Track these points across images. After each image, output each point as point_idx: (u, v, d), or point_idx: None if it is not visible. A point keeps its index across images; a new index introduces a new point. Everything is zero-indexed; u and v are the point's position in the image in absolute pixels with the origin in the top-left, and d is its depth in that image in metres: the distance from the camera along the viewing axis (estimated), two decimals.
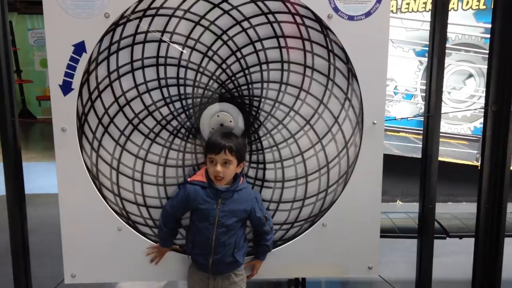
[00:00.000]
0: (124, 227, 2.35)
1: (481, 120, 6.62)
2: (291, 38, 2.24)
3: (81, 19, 2.16)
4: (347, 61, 2.26)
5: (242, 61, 2.26)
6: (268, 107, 2.31)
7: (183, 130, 2.31)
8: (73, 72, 2.20)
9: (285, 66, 2.26)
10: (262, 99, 2.30)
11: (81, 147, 2.29)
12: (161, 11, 2.19)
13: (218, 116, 2.31)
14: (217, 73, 2.27)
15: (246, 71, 2.27)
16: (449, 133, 6.40)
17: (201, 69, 2.26)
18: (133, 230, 2.37)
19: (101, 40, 2.19)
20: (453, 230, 2.91)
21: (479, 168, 2.54)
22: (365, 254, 2.42)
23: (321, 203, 2.40)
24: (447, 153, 5.81)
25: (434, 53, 2.34)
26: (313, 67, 2.27)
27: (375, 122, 2.30)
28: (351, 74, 2.28)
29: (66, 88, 2.21)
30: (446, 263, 3.69)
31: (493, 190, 2.44)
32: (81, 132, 2.29)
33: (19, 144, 2.47)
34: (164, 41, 2.21)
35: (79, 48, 2.18)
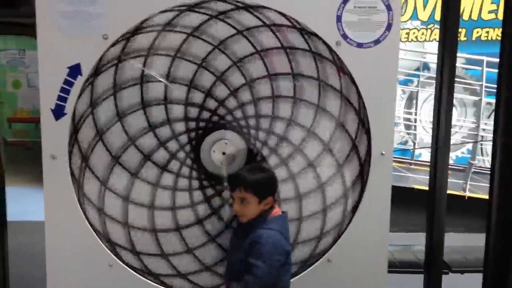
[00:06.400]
0: (115, 263, 2.18)
1: (463, 149, 6.70)
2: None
3: (77, 40, 2.03)
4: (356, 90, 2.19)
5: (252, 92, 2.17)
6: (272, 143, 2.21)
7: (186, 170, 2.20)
8: (66, 96, 2.06)
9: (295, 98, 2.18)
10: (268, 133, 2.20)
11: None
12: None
13: (218, 146, 2.19)
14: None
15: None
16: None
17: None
18: (125, 266, 2.20)
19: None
20: (455, 264, 2.83)
21: (488, 199, 2.45)
22: None
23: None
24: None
25: (443, 85, 2.29)
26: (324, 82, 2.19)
27: (383, 152, 2.22)
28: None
29: (58, 112, 2.07)
30: None
31: (502, 223, 2.37)
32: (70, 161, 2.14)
33: None
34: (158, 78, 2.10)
35: (74, 70, 2.04)
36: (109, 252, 2.18)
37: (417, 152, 6.38)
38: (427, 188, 5.29)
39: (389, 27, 2.16)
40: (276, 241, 1.97)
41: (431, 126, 6.29)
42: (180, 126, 2.16)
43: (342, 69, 2.17)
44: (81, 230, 2.14)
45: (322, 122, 2.22)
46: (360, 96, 2.20)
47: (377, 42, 2.17)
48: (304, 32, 2.14)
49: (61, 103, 2.06)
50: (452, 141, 6.41)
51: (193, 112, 2.15)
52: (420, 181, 5.49)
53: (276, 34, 2.14)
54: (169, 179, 2.18)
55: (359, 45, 2.16)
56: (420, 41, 6.47)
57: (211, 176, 2.21)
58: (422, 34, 6.46)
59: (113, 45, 2.05)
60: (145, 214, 2.20)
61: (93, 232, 2.15)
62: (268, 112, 2.19)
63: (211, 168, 2.19)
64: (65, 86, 2.05)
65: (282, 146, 2.22)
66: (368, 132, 2.22)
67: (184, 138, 2.16)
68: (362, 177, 2.26)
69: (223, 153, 2.19)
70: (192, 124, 2.16)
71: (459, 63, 6.47)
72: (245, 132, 2.20)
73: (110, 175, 2.16)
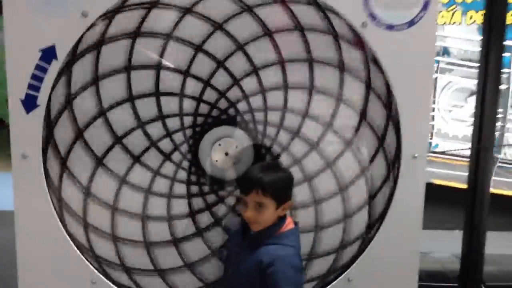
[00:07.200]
0: (99, 280, 1.87)
1: None
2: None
3: (51, 18, 1.68)
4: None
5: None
6: (286, 140, 1.89)
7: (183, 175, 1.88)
8: (39, 85, 1.72)
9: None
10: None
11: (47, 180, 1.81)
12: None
13: (220, 145, 1.86)
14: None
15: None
16: (454, 154, 5.97)
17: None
18: (110, 284, 1.88)
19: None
20: (489, 278, 2.49)
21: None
22: None
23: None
24: (451, 176, 5.37)
25: (487, 78, 1.93)
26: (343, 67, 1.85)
27: (416, 155, 1.88)
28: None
29: (29, 104, 1.74)
30: None
31: None
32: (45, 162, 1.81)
33: None
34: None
35: (48, 54, 1.70)
36: (91, 267, 1.86)
37: (434, 142, 6.01)
38: (447, 184, 5.00)
39: (425, 6, 1.82)
40: (295, 258, 1.71)
41: (452, 117, 5.96)
42: (173, 123, 1.83)
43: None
44: (58, 241, 1.82)
45: (343, 117, 1.90)
46: (389, 88, 1.86)
47: (411, 23, 1.82)
48: (322, 8, 1.80)
49: (32, 92, 1.72)
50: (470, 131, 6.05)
51: (188, 105, 1.82)
52: (437, 174, 5.13)
53: (291, 11, 1.79)
54: (163, 185, 1.86)
55: (389, 27, 1.82)
56: (440, 24, 6.06)
57: (212, 180, 1.88)
58: (442, 16, 6.05)
59: (94, 24, 1.71)
60: (135, 225, 1.89)
61: (73, 245, 1.83)
62: (278, 104, 1.86)
63: (211, 171, 1.87)
64: (37, 73, 1.70)
65: (295, 143, 1.90)
66: (398, 131, 1.88)
67: (179, 136, 1.83)
68: (389, 183, 1.93)
69: (226, 154, 1.86)
70: (188, 120, 1.83)
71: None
72: (251, 127, 1.87)
73: (94, 179, 1.84)
